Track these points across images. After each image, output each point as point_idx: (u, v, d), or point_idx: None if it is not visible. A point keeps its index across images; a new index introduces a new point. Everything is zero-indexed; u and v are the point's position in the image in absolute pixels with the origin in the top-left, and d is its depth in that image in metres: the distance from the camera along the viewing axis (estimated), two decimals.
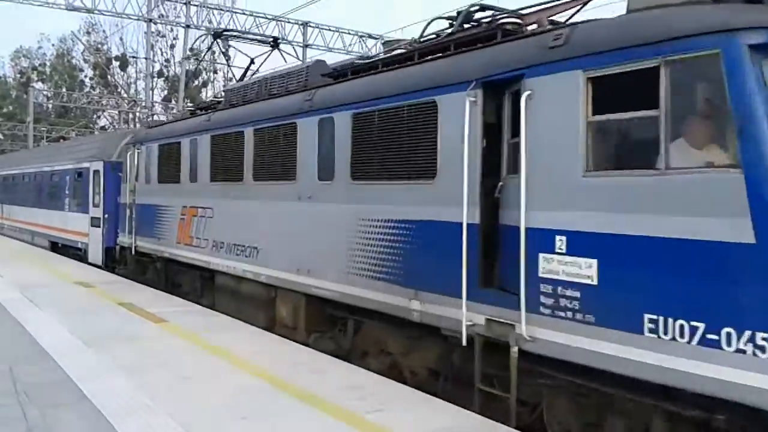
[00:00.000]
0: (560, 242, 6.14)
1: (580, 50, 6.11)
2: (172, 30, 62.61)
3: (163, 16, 41.86)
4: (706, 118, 5.39)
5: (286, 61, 15.15)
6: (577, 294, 5.96)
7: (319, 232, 9.66)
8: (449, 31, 8.63)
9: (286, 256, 10.45)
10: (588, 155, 6.00)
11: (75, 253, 21.83)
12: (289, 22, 39.95)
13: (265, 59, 14.97)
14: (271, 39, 15.89)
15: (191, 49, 53.62)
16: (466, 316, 7.00)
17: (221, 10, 39.39)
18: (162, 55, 67.50)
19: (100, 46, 73.90)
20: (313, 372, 7.96)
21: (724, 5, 5.45)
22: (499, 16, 7.93)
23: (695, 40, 5.27)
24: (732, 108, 5.04)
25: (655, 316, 5.37)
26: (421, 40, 9.05)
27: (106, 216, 19.35)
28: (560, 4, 7.70)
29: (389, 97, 8.38)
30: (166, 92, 67.68)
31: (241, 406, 6.65)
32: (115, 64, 71.08)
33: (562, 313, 6.09)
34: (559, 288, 6.11)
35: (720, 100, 5.16)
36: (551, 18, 7.67)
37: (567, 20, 7.68)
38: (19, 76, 79.46)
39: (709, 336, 5.02)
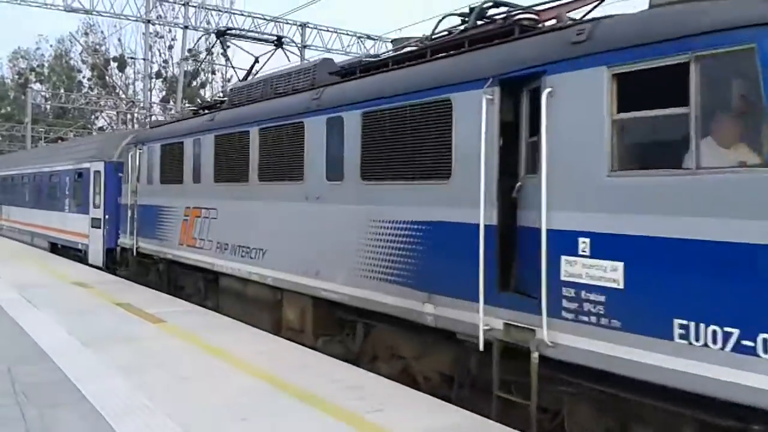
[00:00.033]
0: (583, 244, 5.93)
1: (605, 46, 5.91)
2: (170, 31, 62.61)
3: (161, 17, 41.80)
4: (739, 116, 5.19)
5: (289, 60, 14.90)
6: (602, 298, 5.76)
7: (328, 233, 9.44)
8: (462, 27, 8.42)
9: (293, 258, 10.23)
10: (613, 154, 5.80)
11: (75, 254, 21.59)
12: (287, 23, 39.81)
13: (269, 58, 14.76)
14: (275, 38, 15.68)
15: (190, 50, 53.48)
16: (483, 320, 6.79)
17: (219, 11, 39.28)
18: (160, 56, 67.53)
19: (98, 46, 73.79)
20: (313, 372, 7.93)
21: None
22: (514, 13, 7.73)
23: (729, 35, 5.06)
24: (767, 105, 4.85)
25: (685, 322, 5.17)
26: (433, 37, 8.83)
27: (107, 217, 19.13)
28: (578, 0, 7.50)
29: (401, 95, 8.17)
30: (164, 93, 67.58)
31: (240, 407, 6.63)
32: (114, 64, 71.01)
33: (585, 318, 5.88)
34: (583, 292, 5.91)
35: (755, 96, 4.96)
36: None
37: (583, 16, 7.47)
38: (17, 77, 79.34)
39: (745, 342, 4.82)
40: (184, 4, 38.40)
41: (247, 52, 14.12)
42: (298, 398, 6.92)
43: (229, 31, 15.45)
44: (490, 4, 8.24)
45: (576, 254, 5.98)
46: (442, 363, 7.99)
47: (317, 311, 10.02)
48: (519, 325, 6.51)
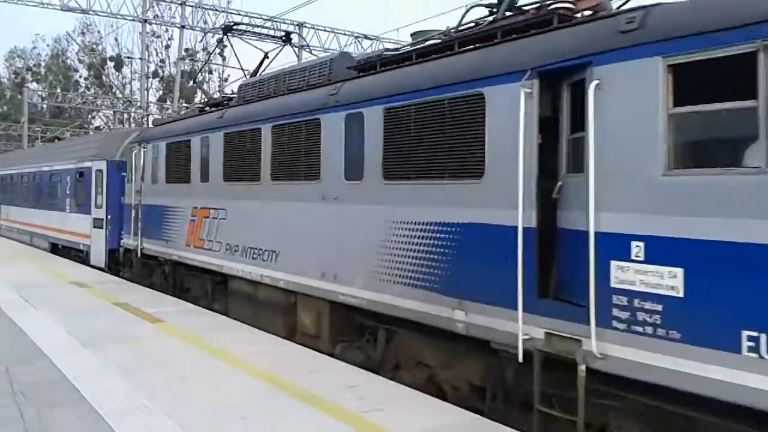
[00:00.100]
0: (637, 249, 5.50)
1: (659, 35, 5.47)
2: (167, 30, 62.19)
3: (158, 16, 41.26)
4: None
5: (298, 57, 14.44)
6: (659, 307, 5.33)
7: (347, 235, 9.00)
8: (490, 19, 7.99)
9: (308, 261, 9.79)
10: (669, 152, 5.37)
11: (76, 254, 21.12)
12: (284, 23, 39.36)
13: (277, 54, 14.31)
14: (283, 34, 15.24)
15: (187, 50, 53.09)
16: (522, 329, 6.35)
17: (216, 10, 38.89)
18: (157, 55, 67.24)
19: (95, 46, 73.43)
20: (313, 372, 7.90)
21: None
22: (548, 2, 7.28)
23: None
24: None
25: (755, 333, 4.74)
26: (459, 29, 8.39)
27: (110, 217, 18.69)
28: None
29: (427, 89, 7.74)
30: (161, 92, 67.16)
31: (239, 406, 6.61)
32: (110, 64, 70.68)
33: (639, 329, 5.45)
34: (636, 300, 5.48)
35: None
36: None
37: (621, 5, 7.04)
38: (13, 76, 78.89)
39: None
40: (180, 4, 38.09)
41: (257, 48, 13.65)
42: (298, 398, 6.89)
43: (235, 27, 14.96)
44: None
45: (628, 259, 5.55)
46: (472, 373, 7.55)
47: (334, 316, 9.58)
48: (562, 334, 6.07)
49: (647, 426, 5.84)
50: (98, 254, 19.21)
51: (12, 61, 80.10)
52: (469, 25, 8.31)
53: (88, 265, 19.29)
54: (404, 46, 9.45)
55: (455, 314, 7.19)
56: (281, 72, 11.67)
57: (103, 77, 69.84)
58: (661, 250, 5.35)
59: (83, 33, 73.15)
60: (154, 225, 15.27)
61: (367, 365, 8.84)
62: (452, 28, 8.61)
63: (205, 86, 65.32)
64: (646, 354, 5.40)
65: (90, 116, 70.28)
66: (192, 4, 38.14)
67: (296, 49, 36.20)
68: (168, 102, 58.46)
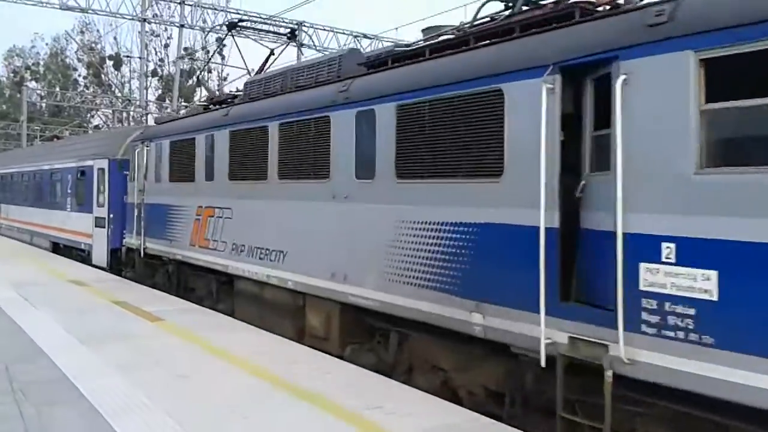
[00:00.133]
0: (668, 250, 5.29)
1: (690, 28, 5.26)
2: (166, 29, 61.93)
3: (157, 15, 41.08)
4: None
5: (302, 54, 14.22)
6: (691, 311, 5.12)
7: (357, 234, 8.79)
8: (507, 13, 7.78)
9: (317, 261, 9.58)
10: (702, 149, 5.16)
11: (78, 254, 20.89)
12: (283, 22, 39.16)
13: (282, 51, 14.09)
14: (288, 30, 15.02)
15: (186, 49, 52.88)
16: (544, 333, 6.14)
17: (215, 9, 38.67)
18: (156, 54, 66.92)
19: (94, 45, 73.18)
20: (312, 370, 7.88)
21: None
22: None
23: None
24: None
25: None
26: (474, 24, 8.17)
27: (112, 216, 18.46)
28: None
29: (442, 86, 7.53)
30: (160, 91, 66.94)
31: (239, 405, 6.61)
32: (109, 63, 70.44)
33: (670, 333, 5.24)
34: (667, 304, 5.27)
35: None
36: None
37: None
38: (12, 75, 78.60)
39: None
40: (179, 3, 37.94)
41: (263, 45, 13.43)
42: (297, 396, 6.89)
43: (240, 23, 14.73)
44: None
45: (658, 261, 5.34)
46: (489, 377, 7.35)
47: (344, 318, 9.37)
48: (588, 339, 5.86)
49: None
50: (100, 253, 18.99)
51: (11, 59, 79.92)
52: (485, 20, 8.10)
53: (90, 264, 19.07)
54: (416, 42, 9.21)
55: (472, 317, 6.99)
56: (289, 69, 11.44)
57: (102, 76, 69.67)
58: (693, 252, 5.14)
59: (82, 32, 72.98)
60: (157, 224, 15.05)
61: (378, 368, 8.64)
62: (466, 24, 8.40)
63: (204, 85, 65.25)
64: (676, 359, 5.20)
65: (89, 115, 70.06)
66: (191, 3, 37.98)
67: (298, 48, 36.14)
68: (167, 101, 58.30)
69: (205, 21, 38.61)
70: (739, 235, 4.87)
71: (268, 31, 14.98)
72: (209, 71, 65.63)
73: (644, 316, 5.40)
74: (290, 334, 10.24)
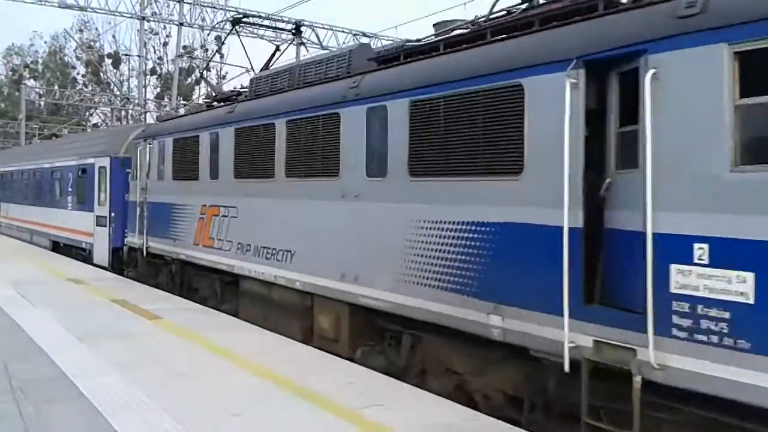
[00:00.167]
0: (700, 251, 5.08)
1: (723, 19, 5.05)
2: (165, 27, 61.74)
3: (156, 13, 40.87)
4: None
5: (308, 50, 14.00)
6: (726, 314, 4.91)
7: (368, 234, 8.57)
8: (524, 6, 7.56)
9: (326, 261, 9.36)
10: (736, 146, 4.95)
11: (79, 253, 20.66)
12: (282, 21, 38.94)
13: (288, 46, 13.86)
14: (293, 26, 14.79)
15: (185, 47, 52.74)
16: (568, 336, 5.92)
17: (214, 8, 38.46)
18: (155, 52, 66.60)
19: (92, 43, 72.80)
20: (311, 368, 7.90)
21: None
22: None
23: None
24: None
25: None
26: (490, 17, 7.95)
27: (113, 215, 18.23)
28: None
29: (458, 81, 7.31)
30: (158, 90, 66.71)
31: (238, 403, 6.62)
32: (108, 61, 70.15)
33: (703, 337, 5.04)
34: (700, 307, 5.06)
35: None
36: None
37: None
38: (11, 73, 78.28)
39: None
40: (178, 1, 37.75)
41: (269, 40, 13.22)
42: (296, 394, 6.89)
43: (245, 18, 14.49)
44: None
45: (690, 262, 5.13)
46: (507, 381, 7.13)
47: (354, 319, 9.16)
48: (614, 343, 5.65)
49: None
50: (102, 253, 18.77)
51: (9, 58, 79.57)
52: (500, 13, 7.88)
53: (91, 263, 18.85)
54: (427, 37, 8.99)
55: (490, 319, 6.77)
56: (296, 65, 11.21)
57: (101, 74, 69.40)
58: (727, 253, 4.93)
59: (81, 30, 72.58)
60: (160, 223, 14.82)
61: (389, 371, 8.43)
62: (481, 18, 8.18)
63: (203, 83, 65.11)
64: (709, 365, 5.00)
65: (88, 113, 69.77)
66: (190, 1, 37.80)
67: (298, 47, 35.92)
68: (166, 99, 58.14)
69: (203, 19, 38.46)
70: None
71: (272, 27, 14.73)
72: (208, 69, 65.54)
73: (675, 319, 5.20)
74: (297, 335, 10.03)
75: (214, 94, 14.39)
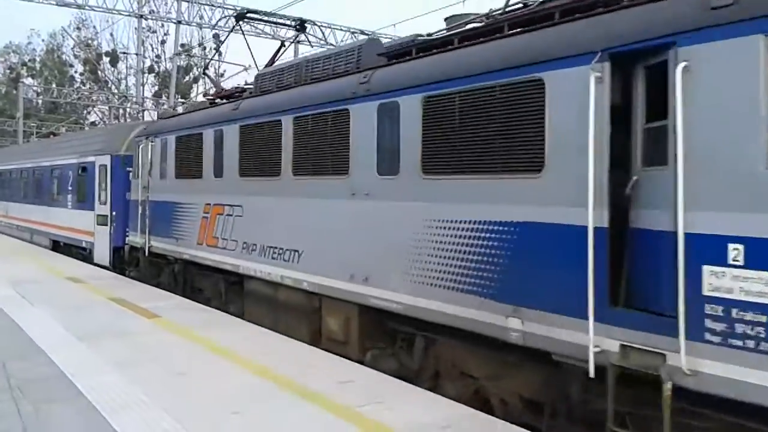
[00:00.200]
0: (735, 252, 4.86)
1: (760, 9, 4.83)
2: (162, 26, 61.56)
3: (153, 11, 40.66)
4: None
5: (312, 46, 13.76)
6: (763, 318, 4.70)
7: (379, 234, 8.35)
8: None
9: (335, 262, 9.13)
10: None
11: (79, 252, 20.41)
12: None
13: (292, 42, 13.61)
14: (297, 22, 14.55)
15: (183, 45, 52.50)
16: (593, 340, 5.70)
17: (212, 6, 38.27)
18: (153, 50, 66.39)
19: (90, 41, 72.59)
20: (310, 367, 7.90)
21: None
22: None
23: None
24: None
25: None
26: (506, 10, 7.72)
27: (114, 213, 17.99)
28: None
29: (474, 76, 7.09)
30: (156, 88, 66.52)
31: (236, 401, 6.62)
32: (106, 59, 70.02)
33: (738, 342, 4.82)
34: (734, 310, 4.85)
35: None
36: None
37: None
38: (8, 71, 78.04)
39: None
40: None
41: (273, 37, 12.97)
42: (295, 393, 6.91)
43: (249, 14, 14.23)
44: None
45: (724, 264, 4.91)
46: (525, 386, 6.92)
47: (364, 321, 8.94)
48: (643, 348, 5.43)
49: None
50: (102, 252, 18.53)
51: (7, 56, 79.28)
52: (516, 6, 7.65)
53: (92, 263, 18.62)
54: (438, 31, 8.76)
55: (509, 322, 6.55)
56: (303, 60, 10.96)
57: (99, 73, 69.19)
58: (764, 254, 4.71)
59: (78, 28, 72.39)
60: (162, 222, 14.58)
61: (400, 374, 8.21)
62: (496, 10, 7.95)
63: (201, 81, 64.89)
64: (745, 371, 4.78)
65: (85, 112, 69.58)
66: None
67: (297, 45, 35.66)
68: (164, 97, 57.92)
69: (201, 17, 38.27)
70: None
71: (277, 23, 14.49)
72: (207, 69, 65.26)
73: (708, 323, 4.98)
74: (305, 336, 9.81)
75: (217, 91, 14.09)
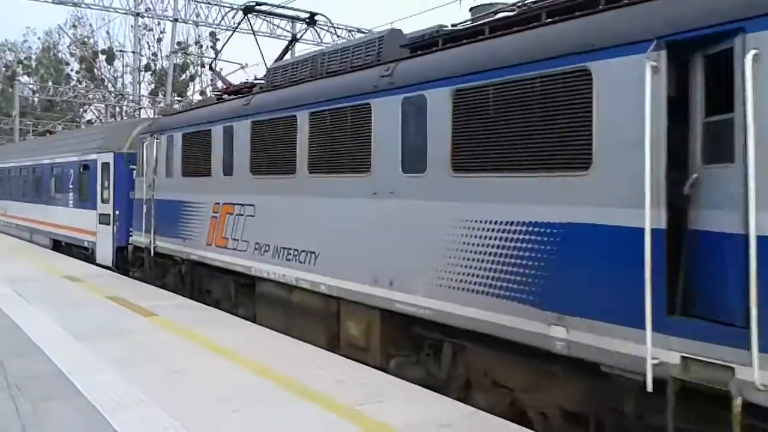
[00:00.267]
0: None
1: None
2: (159, 23, 61.11)
3: (150, 9, 40.17)
4: None
5: (321, 41, 13.33)
6: None
7: (406, 235, 7.91)
8: None
9: (356, 264, 8.70)
10: None
11: (81, 252, 19.94)
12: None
13: (302, 35, 13.18)
14: (307, 15, 14.10)
15: (179, 43, 52.11)
16: (651, 352, 5.27)
17: (209, 4, 37.80)
18: (149, 48, 65.96)
19: (86, 39, 72.10)
20: (308, 365, 7.89)
21: None
22: None
23: None
24: None
25: None
26: None
27: (117, 213, 17.53)
28: None
29: (511, 66, 6.65)
30: (153, 86, 66.12)
31: (234, 399, 6.60)
32: (102, 57, 69.60)
33: None
34: None
35: None
36: None
37: None
38: (4, 69, 77.45)
39: None
40: None
41: (285, 29, 12.55)
42: (293, 391, 6.87)
43: (257, 6, 13.77)
44: None
45: None
46: (568, 398, 6.47)
47: (386, 326, 8.51)
48: (707, 360, 5.01)
49: None
50: (105, 252, 18.07)
51: (3, 54, 78.72)
52: None
53: (94, 263, 18.16)
54: (465, 21, 8.33)
55: (552, 330, 6.12)
56: (319, 53, 10.51)
57: (95, 71, 68.76)
58: None
59: (75, 26, 71.91)
60: (168, 222, 14.12)
61: (428, 383, 7.78)
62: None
63: (197, 80, 64.43)
64: None
65: (82, 110, 69.13)
66: None
67: (295, 44, 35.24)
68: (160, 95, 57.49)
69: (198, 15, 37.84)
70: None
71: (286, 16, 14.05)
72: (203, 65, 64.80)
73: None
74: (322, 342, 9.38)
75: (225, 86, 13.63)
